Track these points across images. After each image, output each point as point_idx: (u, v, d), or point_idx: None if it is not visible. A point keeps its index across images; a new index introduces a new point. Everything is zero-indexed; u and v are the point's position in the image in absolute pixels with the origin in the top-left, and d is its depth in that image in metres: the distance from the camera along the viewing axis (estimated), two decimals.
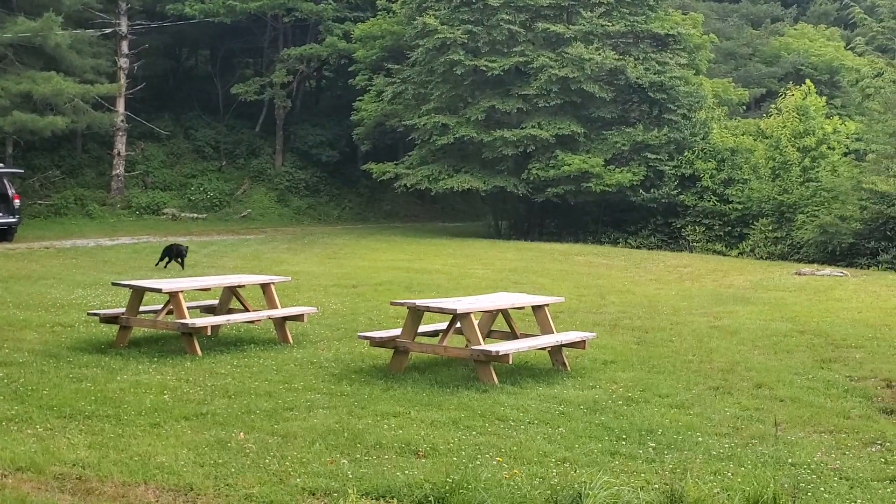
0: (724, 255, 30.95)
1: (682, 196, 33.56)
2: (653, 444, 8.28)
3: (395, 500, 6.61)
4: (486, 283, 19.80)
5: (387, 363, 11.16)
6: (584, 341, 11.67)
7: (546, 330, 11.80)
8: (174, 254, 21.85)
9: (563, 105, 34.61)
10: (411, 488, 6.76)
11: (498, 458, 7.65)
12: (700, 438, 8.53)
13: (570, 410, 9.41)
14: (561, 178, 33.63)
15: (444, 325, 11.81)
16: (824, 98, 35.64)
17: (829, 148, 33.13)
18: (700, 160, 33.98)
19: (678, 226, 33.47)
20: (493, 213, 38.35)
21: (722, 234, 32.53)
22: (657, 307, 17.27)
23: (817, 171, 31.90)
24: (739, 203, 32.42)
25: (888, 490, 7.25)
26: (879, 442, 8.64)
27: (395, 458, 7.61)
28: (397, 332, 11.21)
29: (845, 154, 33.66)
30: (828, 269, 25.23)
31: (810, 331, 14.73)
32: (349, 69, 42.13)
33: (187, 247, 22.37)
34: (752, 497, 6.46)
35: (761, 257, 30.07)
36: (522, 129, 34.17)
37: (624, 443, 8.33)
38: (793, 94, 34.34)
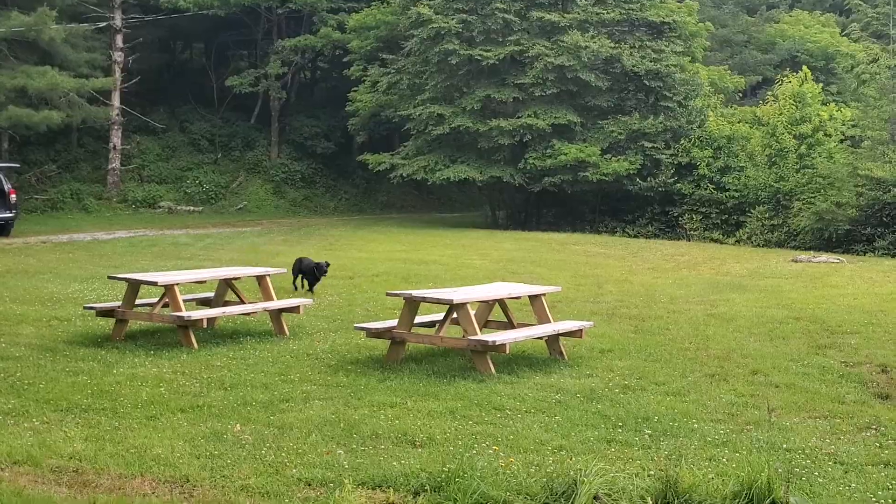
0: (722, 243, 30.98)
1: (678, 184, 33.55)
2: (649, 432, 8.30)
3: (392, 490, 6.62)
4: (484, 274, 19.81)
5: (383, 354, 11.17)
6: (581, 330, 11.68)
7: (543, 319, 11.80)
8: (304, 271, 16.65)
9: (559, 94, 34.58)
10: (407, 478, 6.78)
11: (494, 447, 7.66)
12: (695, 425, 8.55)
13: (567, 399, 9.43)
14: (557, 167, 33.63)
15: (440, 316, 11.81)
16: (820, 85, 35.62)
17: (825, 135, 33.13)
18: (696, 148, 33.98)
19: (675, 214, 33.47)
20: (490, 203, 38.35)
21: (719, 222, 32.53)
22: (654, 296, 17.29)
23: (813, 158, 31.91)
24: (736, 191, 32.41)
25: (882, 474, 7.27)
26: (874, 427, 8.66)
27: (391, 448, 7.62)
28: (394, 322, 11.22)
29: (841, 141, 33.69)
30: (824, 256, 25.27)
31: (806, 317, 14.77)
32: (344, 60, 42.12)
33: (327, 264, 16.67)
34: (747, 482, 6.48)
35: (758, 245, 30.09)
36: (518, 118, 34.15)
37: (620, 430, 8.35)
38: (789, 81, 34.32)
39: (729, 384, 10.26)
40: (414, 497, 6.51)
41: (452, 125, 34.42)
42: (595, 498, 6.38)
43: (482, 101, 34.47)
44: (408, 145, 37.13)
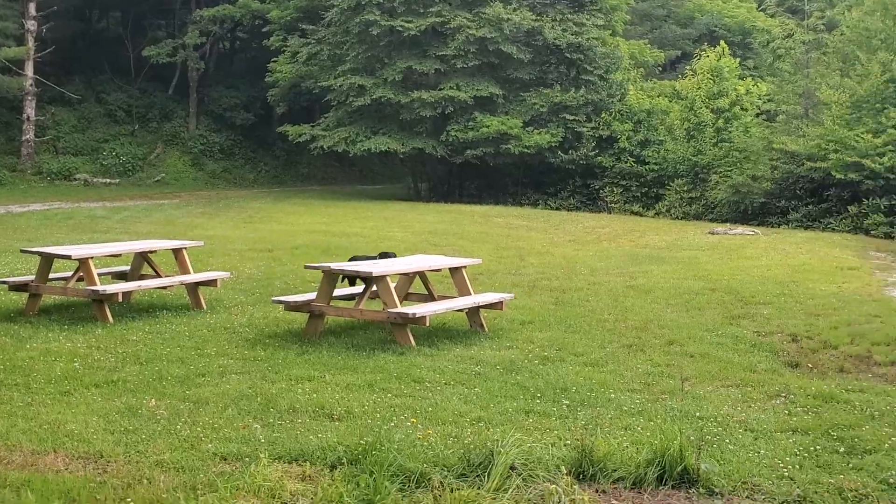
0: (641, 215, 31.37)
1: (599, 157, 33.84)
2: (566, 402, 8.39)
3: (308, 464, 6.59)
4: (406, 246, 19.79)
5: (302, 327, 11.11)
6: (502, 302, 11.74)
7: (463, 292, 11.84)
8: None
9: (480, 66, 34.57)
10: (324, 451, 6.75)
11: (413, 420, 7.68)
12: (612, 395, 8.67)
13: (487, 371, 9.49)
14: (480, 139, 33.69)
15: (360, 289, 11.79)
16: (737, 59, 36.16)
17: (741, 109, 33.67)
18: (617, 122, 34.27)
19: (596, 187, 33.76)
20: (413, 175, 38.28)
21: (639, 195, 32.89)
22: (575, 268, 17.46)
23: (730, 132, 32.42)
24: (655, 164, 32.79)
25: (790, 440, 7.46)
26: (784, 394, 8.88)
27: (308, 422, 7.59)
28: (312, 296, 11.16)
29: (757, 115, 34.26)
30: (740, 228, 25.75)
31: (721, 288, 15.05)
32: (263, 30, 41.52)
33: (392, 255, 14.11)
34: (660, 450, 6.59)
35: (677, 217, 30.54)
36: (440, 90, 34.09)
37: (538, 401, 8.42)
38: (707, 56, 34.77)
39: (646, 354, 10.42)
40: (330, 470, 6.49)
41: (374, 96, 34.23)
42: (511, 468, 6.43)
43: (403, 73, 34.33)
44: (328, 116, 36.85)
